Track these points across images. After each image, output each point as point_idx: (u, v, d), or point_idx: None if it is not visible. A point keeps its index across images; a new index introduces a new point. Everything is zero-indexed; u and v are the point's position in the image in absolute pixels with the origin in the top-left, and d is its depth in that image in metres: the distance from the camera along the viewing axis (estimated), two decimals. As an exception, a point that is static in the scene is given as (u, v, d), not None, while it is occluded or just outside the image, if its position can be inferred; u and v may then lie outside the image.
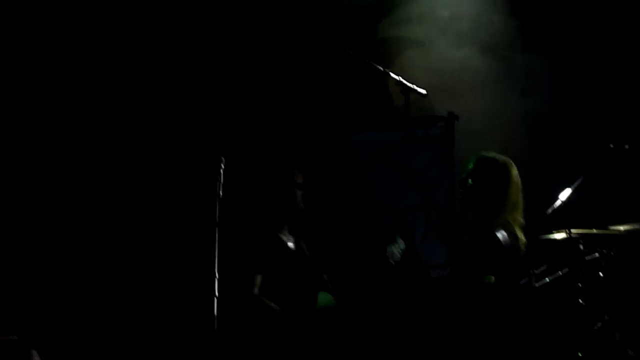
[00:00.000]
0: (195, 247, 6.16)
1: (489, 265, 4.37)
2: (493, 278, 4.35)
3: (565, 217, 5.45)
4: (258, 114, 6.84)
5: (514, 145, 6.92)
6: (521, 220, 4.76)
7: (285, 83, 7.06)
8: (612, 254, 5.81)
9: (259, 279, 5.13)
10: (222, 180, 4.81)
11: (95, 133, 6.65)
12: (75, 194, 6.53)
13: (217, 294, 4.66)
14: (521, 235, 4.68)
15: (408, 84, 6.49)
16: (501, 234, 4.49)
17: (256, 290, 5.10)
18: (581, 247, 5.71)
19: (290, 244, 5.34)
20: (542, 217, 6.52)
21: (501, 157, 4.78)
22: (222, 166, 4.86)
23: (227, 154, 4.96)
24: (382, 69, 5.68)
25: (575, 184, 5.56)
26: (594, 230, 5.93)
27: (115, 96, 6.74)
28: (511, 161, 4.76)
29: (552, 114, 6.96)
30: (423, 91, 6.46)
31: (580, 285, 5.36)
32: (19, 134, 6.47)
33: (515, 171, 4.75)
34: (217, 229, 4.76)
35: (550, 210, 6.00)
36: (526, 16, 7.08)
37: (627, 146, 5.60)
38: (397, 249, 5.32)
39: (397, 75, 6.67)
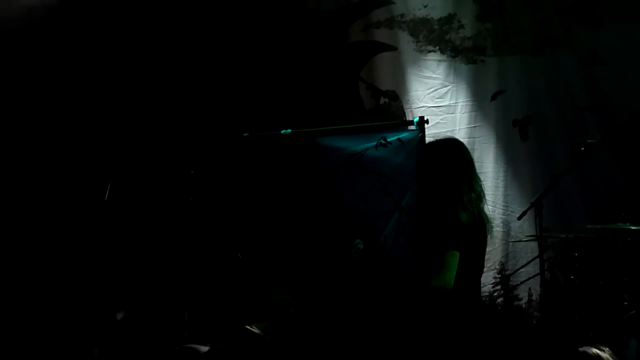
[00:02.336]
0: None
1: (452, 244, 4.16)
2: (457, 253, 4.13)
3: (539, 219, 5.43)
4: (228, 118, 6.81)
5: (487, 149, 6.95)
6: (482, 201, 4.50)
7: (256, 86, 7.03)
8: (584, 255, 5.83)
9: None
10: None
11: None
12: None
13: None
14: (486, 216, 4.43)
15: (379, 87, 6.49)
16: (464, 215, 4.26)
17: None
18: (550, 249, 5.73)
19: None
20: (515, 221, 6.55)
21: (446, 137, 4.54)
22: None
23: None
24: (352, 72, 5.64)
25: (546, 188, 5.56)
26: (568, 236, 5.96)
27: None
28: (458, 140, 4.54)
29: (524, 118, 6.96)
30: (393, 95, 6.48)
31: (550, 286, 5.37)
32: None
33: (465, 149, 4.48)
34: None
35: (520, 215, 6.01)
36: (497, 19, 7.08)
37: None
38: (355, 249, 5.34)
39: (368, 79, 6.68)
